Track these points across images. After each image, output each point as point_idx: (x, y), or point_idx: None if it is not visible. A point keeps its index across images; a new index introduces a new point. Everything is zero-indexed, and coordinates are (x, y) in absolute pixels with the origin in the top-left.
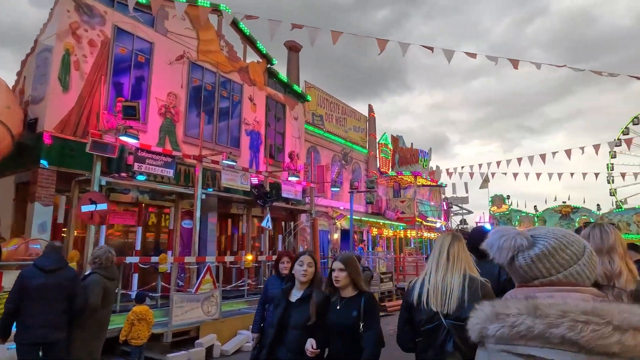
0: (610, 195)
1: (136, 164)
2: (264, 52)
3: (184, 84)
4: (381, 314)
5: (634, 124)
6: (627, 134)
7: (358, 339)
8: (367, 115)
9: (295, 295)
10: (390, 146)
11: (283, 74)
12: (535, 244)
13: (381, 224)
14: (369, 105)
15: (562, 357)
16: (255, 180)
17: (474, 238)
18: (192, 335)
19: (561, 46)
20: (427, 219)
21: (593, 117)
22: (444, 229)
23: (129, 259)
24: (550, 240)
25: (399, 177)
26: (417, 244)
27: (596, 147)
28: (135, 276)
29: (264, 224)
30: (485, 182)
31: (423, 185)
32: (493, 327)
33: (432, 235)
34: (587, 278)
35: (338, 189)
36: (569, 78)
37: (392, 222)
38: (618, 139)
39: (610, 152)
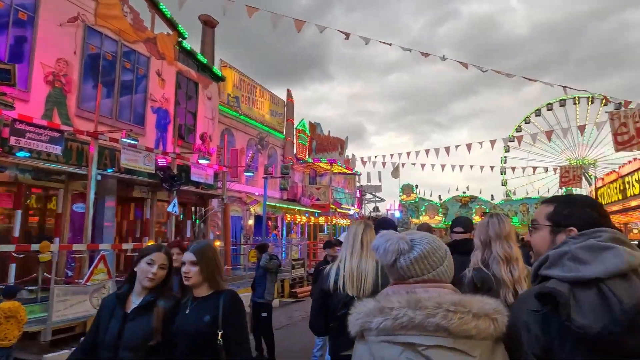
0: (502, 185)
1: (13, 138)
2: (174, 22)
3: (78, 51)
4: (291, 300)
5: (525, 123)
6: (520, 131)
7: (215, 352)
8: (285, 100)
9: (134, 302)
10: (307, 132)
11: (197, 51)
12: (413, 247)
13: (296, 210)
14: (288, 90)
15: (435, 341)
16: (163, 162)
17: (382, 227)
18: (78, 331)
19: (468, 48)
20: (342, 206)
21: (492, 116)
22: (357, 216)
23: (2, 247)
24: (425, 245)
25: (315, 164)
26: (330, 231)
27: (492, 142)
28: (13, 267)
29: (170, 208)
30: (396, 171)
31: (339, 173)
32: (376, 321)
33: (346, 222)
34: (448, 277)
35: (252, 173)
36: (474, 79)
37: (307, 209)
38: (512, 136)
39: (504, 147)
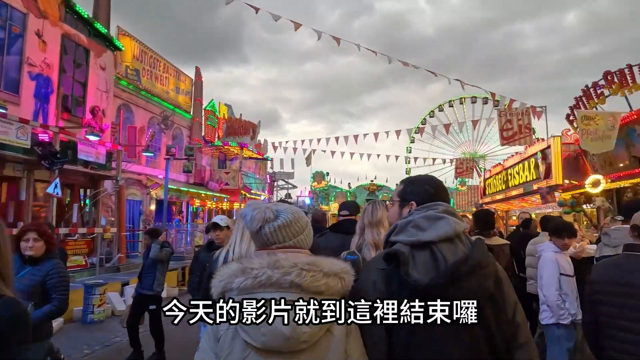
0: (406, 174)
1: None
2: None
3: None
4: None
5: (430, 117)
6: (425, 124)
7: None
8: (193, 78)
9: None
10: (217, 114)
11: (89, 13)
12: (278, 217)
13: (203, 195)
14: (196, 68)
15: (289, 297)
16: (45, 137)
17: None
18: None
19: (381, 43)
20: (252, 191)
21: (400, 110)
22: (267, 202)
23: None
24: (289, 215)
25: (225, 147)
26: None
27: (398, 132)
28: None
29: (50, 189)
30: (308, 159)
31: (250, 158)
32: (238, 281)
33: None
34: (307, 244)
35: (152, 154)
36: (384, 73)
37: (216, 194)
38: (417, 128)
39: (410, 137)
